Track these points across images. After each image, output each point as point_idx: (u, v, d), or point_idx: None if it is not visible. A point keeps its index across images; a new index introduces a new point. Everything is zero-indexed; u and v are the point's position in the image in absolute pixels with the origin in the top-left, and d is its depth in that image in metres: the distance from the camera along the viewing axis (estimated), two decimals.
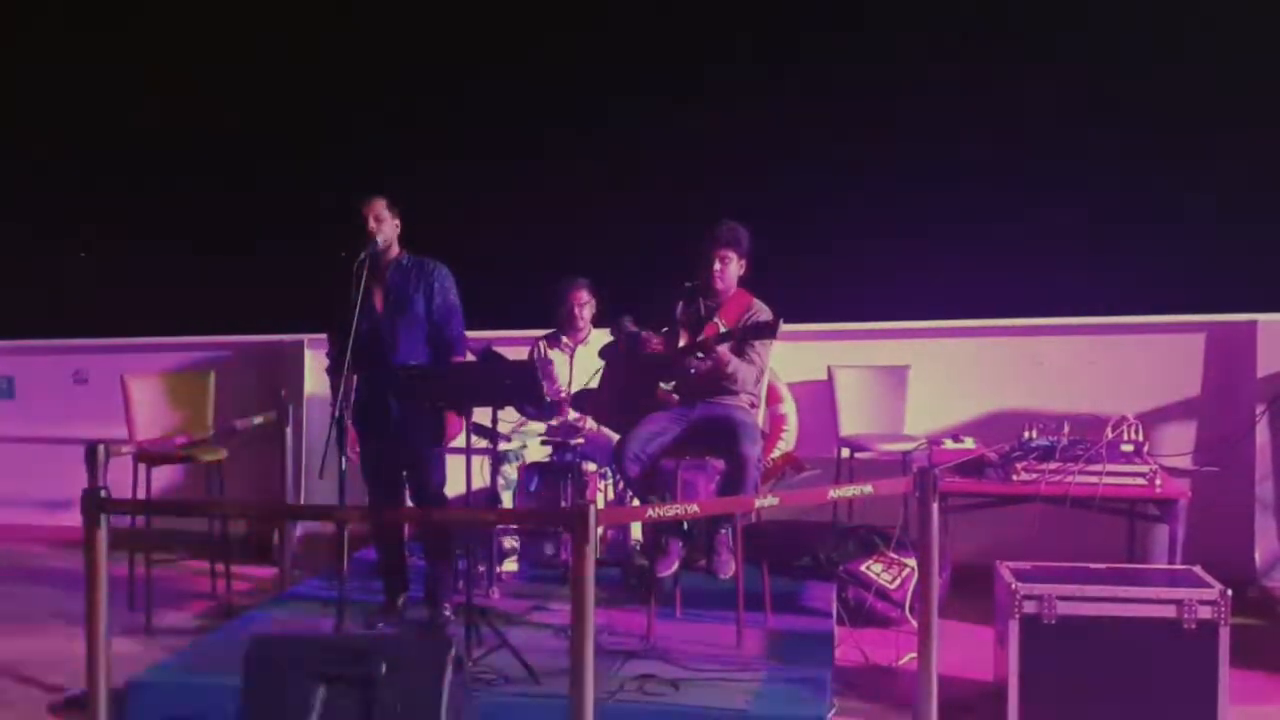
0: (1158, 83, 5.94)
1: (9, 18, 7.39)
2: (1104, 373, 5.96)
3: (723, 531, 4.64)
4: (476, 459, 4.67)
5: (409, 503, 4.91)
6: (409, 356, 4.70)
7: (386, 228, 4.77)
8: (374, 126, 6.95)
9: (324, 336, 5.00)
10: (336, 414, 4.52)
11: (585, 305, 5.76)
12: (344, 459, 4.62)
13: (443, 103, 6.93)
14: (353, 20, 7.09)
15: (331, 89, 7.09)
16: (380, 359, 4.69)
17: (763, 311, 4.73)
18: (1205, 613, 3.79)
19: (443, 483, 4.86)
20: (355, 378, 4.68)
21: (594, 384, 5.27)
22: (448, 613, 4.83)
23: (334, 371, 4.81)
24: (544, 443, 5.66)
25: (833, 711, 4.02)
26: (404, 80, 6.99)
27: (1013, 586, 3.91)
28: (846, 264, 6.21)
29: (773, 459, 6.06)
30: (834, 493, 4.45)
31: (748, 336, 4.49)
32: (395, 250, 4.83)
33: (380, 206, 4.77)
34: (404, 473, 4.86)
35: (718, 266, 4.76)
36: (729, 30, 6.55)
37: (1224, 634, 3.78)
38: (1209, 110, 5.86)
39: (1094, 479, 4.56)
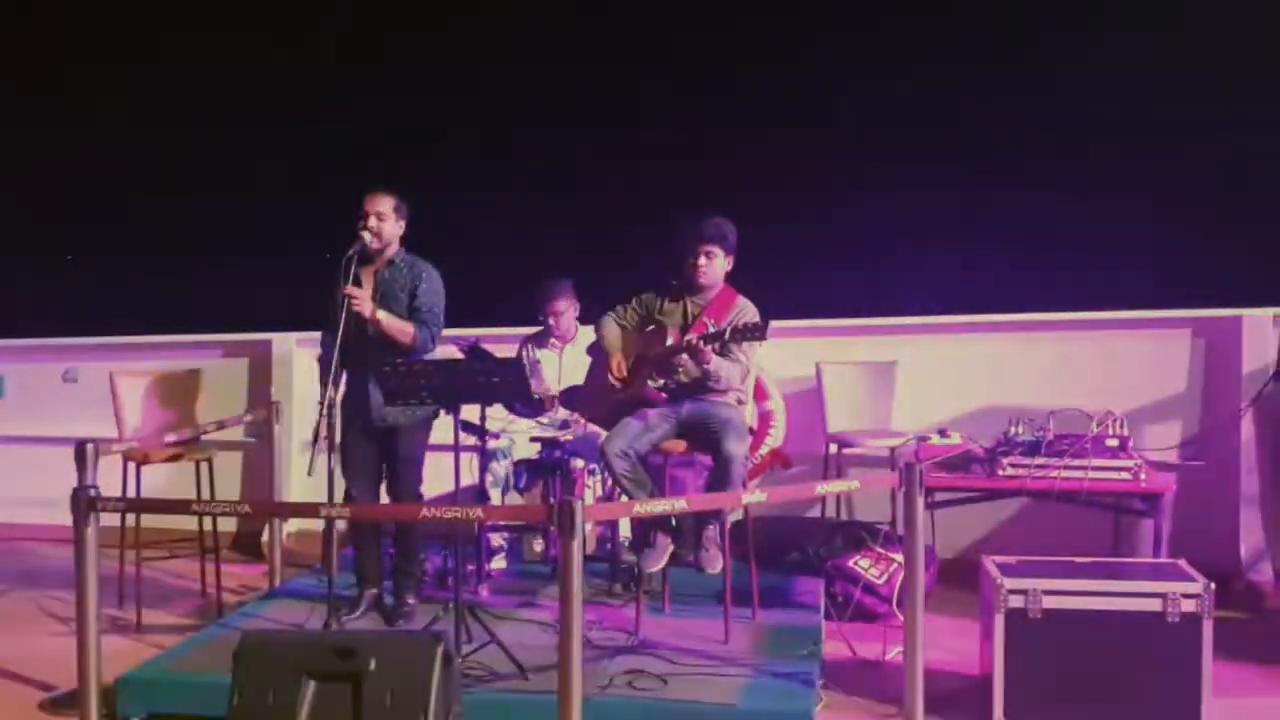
0: (1150, 81, 5.96)
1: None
2: (1090, 368, 5.99)
3: (711, 527, 4.65)
4: (464, 456, 4.68)
5: (384, 498, 4.95)
6: (391, 354, 4.71)
7: (388, 226, 4.78)
8: (367, 123, 6.94)
9: (315, 336, 5.02)
10: (324, 410, 4.53)
11: (561, 315, 5.78)
12: (332, 456, 4.63)
13: (438, 100, 6.92)
14: (349, 16, 7.08)
15: (327, 86, 7.07)
16: (363, 355, 4.70)
17: (749, 310, 4.74)
18: (1189, 606, 3.82)
19: (419, 480, 4.91)
20: (343, 373, 4.70)
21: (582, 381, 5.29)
22: (411, 602, 4.89)
23: (323, 364, 4.84)
24: (532, 439, 5.68)
25: (820, 705, 4.05)
26: (399, 78, 6.98)
27: (998, 581, 3.93)
28: (834, 260, 6.22)
29: (760, 455, 6.09)
30: (821, 488, 4.48)
31: (736, 338, 4.48)
32: (393, 249, 4.84)
33: (384, 203, 4.77)
34: (382, 468, 4.90)
35: (702, 262, 4.76)
36: (721, 26, 6.55)
37: (1208, 627, 3.81)
38: (1199, 107, 5.88)
39: (1079, 474, 4.58)
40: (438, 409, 4.79)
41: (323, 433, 4.50)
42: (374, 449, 4.88)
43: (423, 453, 4.92)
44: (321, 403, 4.55)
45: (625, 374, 4.82)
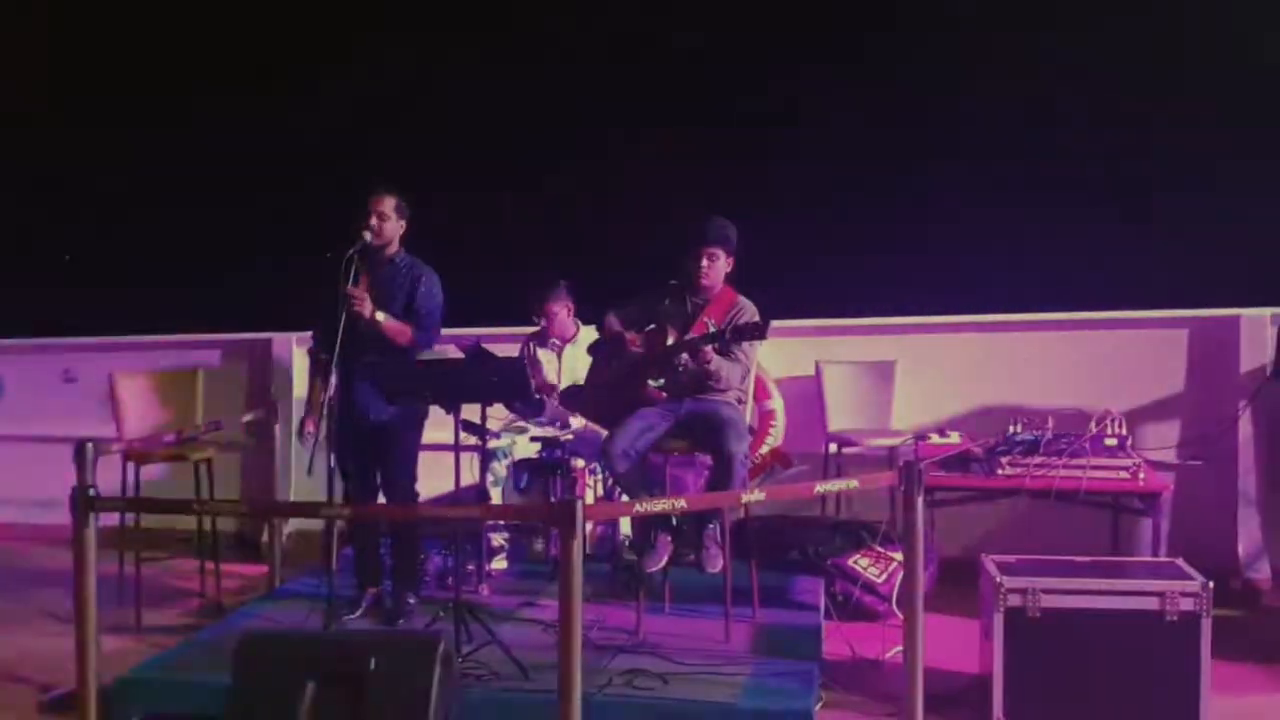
0: (1150, 81, 5.96)
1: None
2: (1088, 368, 5.99)
3: (711, 526, 4.66)
4: (465, 456, 4.69)
5: (381, 495, 4.95)
6: (384, 353, 4.72)
7: (389, 226, 4.80)
8: (367, 123, 6.94)
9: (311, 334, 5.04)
10: (319, 409, 4.54)
11: (556, 316, 5.80)
12: (331, 456, 4.64)
13: (438, 100, 6.92)
14: (349, 15, 7.08)
15: (328, 86, 7.07)
16: (356, 354, 4.70)
17: (748, 310, 4.75)
18: (1187, 604, 3.83)
19: (413, 479, 4.91)
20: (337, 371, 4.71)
21: (582, 381, 5.29)
22: (412, 601, 4.89)
23: (315, 361, 4.85)
24: (533, 439, 5.69)
25: (820, 704, 4.05)
26: (399, 77, 6.98)
27: (998, 580, 3.94)
28: (834, 260, 6.22)
29: (760, 454, 6.09)
30: (820, 487, 4.46)
31: (736, 337, 4.50)
32: (394, 249, 4.86)
33: (387, 204, 4.80)
34: (376, 466, 4.91)
35: (705, 264, 4.77)
36: (723, 26, 6.55)
37: (1206, 625, 3.81)
38: (1196, 107, 5.88)
39: (1078, 473, 4.59)
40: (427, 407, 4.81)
41: (308, 430, 4.52)
42: (367, 447, 4.88)
43: (416, 450, 4.93)
44: (320, 402, 4.56)
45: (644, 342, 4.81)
